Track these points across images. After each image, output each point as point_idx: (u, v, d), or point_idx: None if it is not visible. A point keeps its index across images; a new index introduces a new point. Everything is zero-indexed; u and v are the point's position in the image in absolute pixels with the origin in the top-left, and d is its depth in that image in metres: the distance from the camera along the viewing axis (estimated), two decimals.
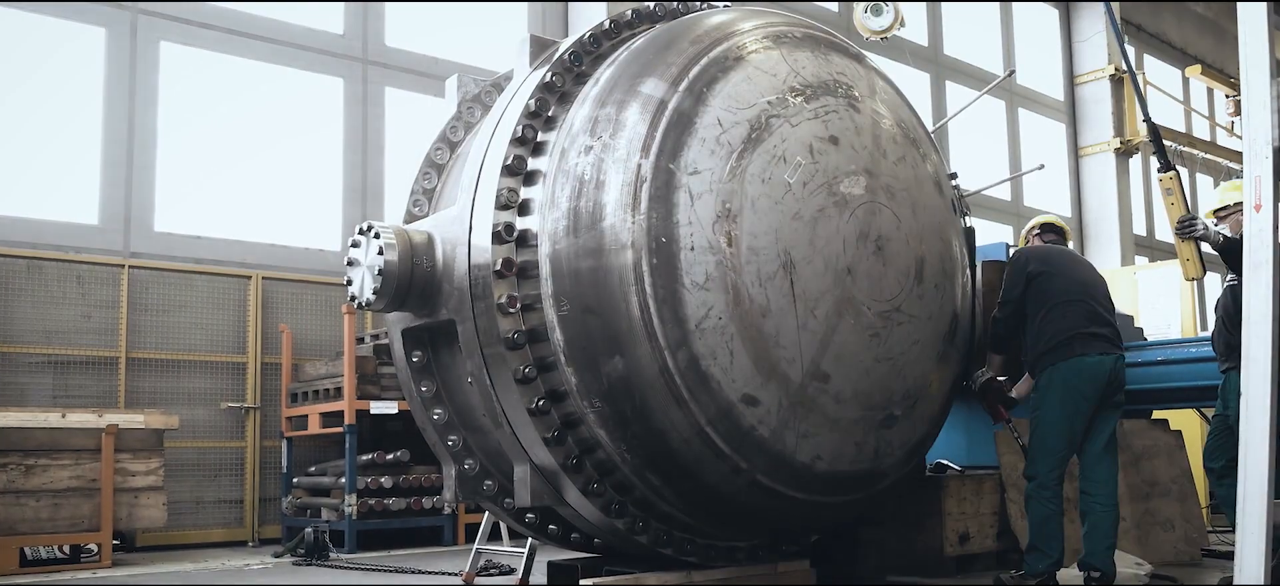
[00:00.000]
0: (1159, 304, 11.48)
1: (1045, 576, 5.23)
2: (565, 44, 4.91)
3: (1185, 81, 20.19)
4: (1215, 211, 6.11)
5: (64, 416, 7.70)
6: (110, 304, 9.14)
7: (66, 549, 7.51)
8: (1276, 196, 3.69)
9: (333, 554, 8.10)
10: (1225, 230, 5.82)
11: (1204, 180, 21.34)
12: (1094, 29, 17.67)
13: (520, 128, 4.55)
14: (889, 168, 4.92)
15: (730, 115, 4.49)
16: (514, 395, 4.35)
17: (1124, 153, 17.44)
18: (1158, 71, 19.87)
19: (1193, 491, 7.05)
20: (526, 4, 12.38)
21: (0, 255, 8.76)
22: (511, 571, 6.23)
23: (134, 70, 9.61)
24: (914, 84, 15.20)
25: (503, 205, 4.45)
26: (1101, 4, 13.65)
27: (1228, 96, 19.84)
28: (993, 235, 15.24)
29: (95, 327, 9.08)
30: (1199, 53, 20.62)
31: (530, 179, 4.52)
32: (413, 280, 4.62)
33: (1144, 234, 18.95)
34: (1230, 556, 6.58)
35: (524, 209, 4.48)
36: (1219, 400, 6.34)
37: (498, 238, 4.39)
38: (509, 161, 4.49)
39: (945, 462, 6.62)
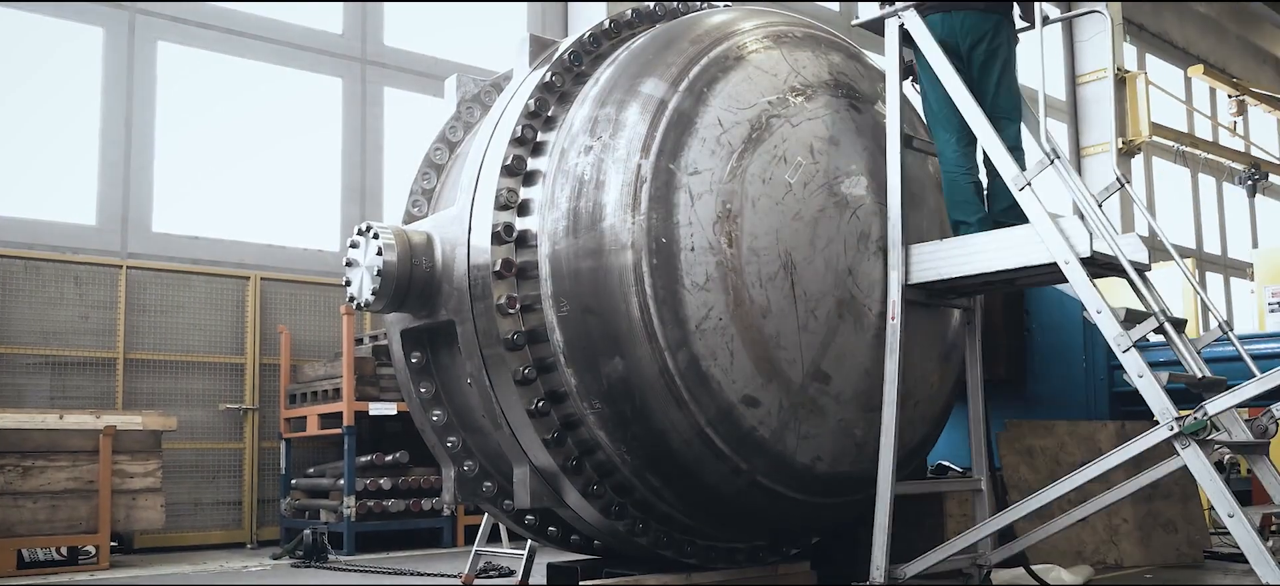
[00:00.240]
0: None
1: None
2: (565, 44, 4.90)
3: (1187, 81, 20.18)
4: None
5: (61, 418, 7.68)
6: (108, 304, 9.12)
7: (64, 550, 7.49)
8: None
9: (331, 555, 8.08)
10: None
11: (1206, 180, 21.34)
12: (1095, 29, 17.65)
13: (520, 128, 4.53)
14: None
15: (731, 115, 4.47)
16: (513, 396, 4.33)
17: (1126, 153, 17.43)
18: (1160, 71, 19.85)
19: (1195, 492, 7.03)
20: (526, 4, 12.36)
21: None
22: (511, 573, 6.21)
23: (132, 70, 9.59)
24: None
25: (502, 205, 4.43)
26: (1102, 4, 13.63)
27: (1230, 96, 19.83)
28: None
29: (93, 328, 9.05)
30: (1201, 52, 20.62)
31: (530, 179, 4.50)
32: (412, 281, 4.60)
33: (1146, 235, 18.94)
34: (1232, 558, 6.58)
35: (523, 209, 4.46)
36: None
37: (497, 238, 4.37)
38: (508, 162, 4.47)
39: (946, 464, 6.60)
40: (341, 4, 10.99)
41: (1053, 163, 4.74)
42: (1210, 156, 20.18)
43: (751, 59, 4.68)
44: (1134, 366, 4.30)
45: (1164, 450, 4.37)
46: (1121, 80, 17.51)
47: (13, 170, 9.24)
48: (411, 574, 6.98)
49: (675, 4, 5.32)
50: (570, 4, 12.47)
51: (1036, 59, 4.99)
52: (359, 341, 9.38)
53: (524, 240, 4.41)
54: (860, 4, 9.19)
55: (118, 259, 9.30)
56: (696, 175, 4.32)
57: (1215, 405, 4.24)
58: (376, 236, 4.55)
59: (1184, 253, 18.88)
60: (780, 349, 4.40)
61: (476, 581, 6.23)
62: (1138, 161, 18.43)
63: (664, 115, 4.37)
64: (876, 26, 5.12)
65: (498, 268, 4.33)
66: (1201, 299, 4.98)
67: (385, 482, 8.83)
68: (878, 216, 4.79)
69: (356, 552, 8.53)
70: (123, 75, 9.54)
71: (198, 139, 10.15)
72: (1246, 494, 10.44)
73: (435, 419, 4.94)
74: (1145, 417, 7.23)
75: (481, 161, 4.61)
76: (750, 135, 4.48)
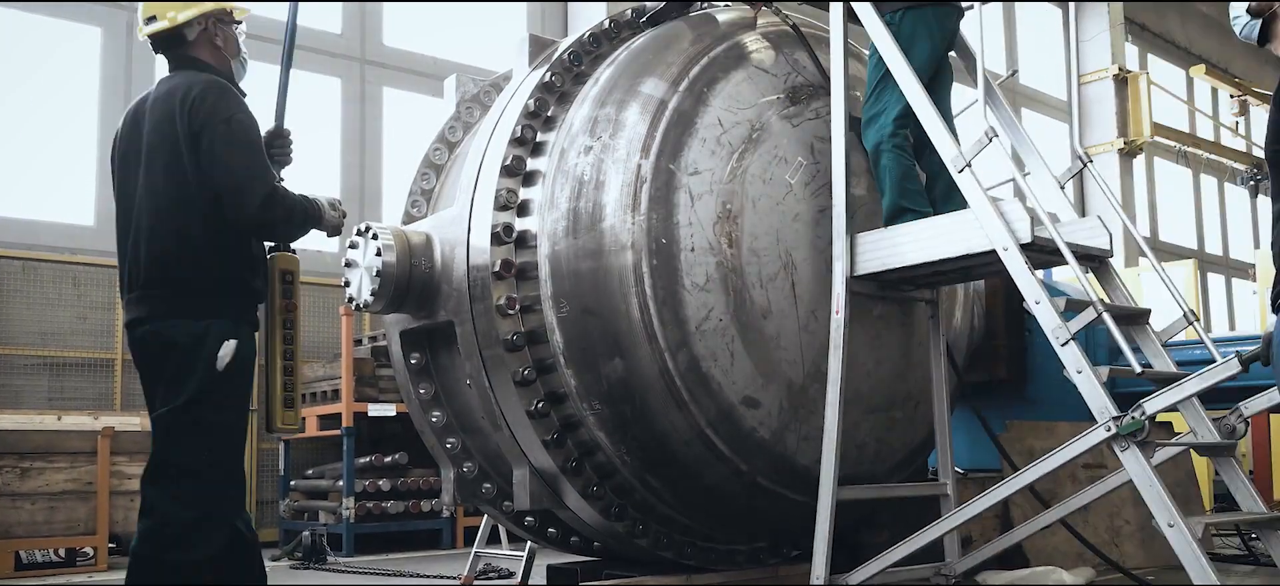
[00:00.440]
0: (1163, 306, 11.38)
1: None
2: (564, 44, 4.89)
3: (1189, 81, 20.15)
4: None
5: (60, 419, 7.67)
6: (106, 305, 9.09)
7: (62, 552, 7.46)
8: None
9: (330, 557, 8.06)
10: None
11: (1208, 181, 21.32)
12: (1097, 28, 17.63)
13: (519, 128, 4.52)
14: None
15: (731, 115, 4.46)
16: (513, 397, 4.32)
17: (1128, 153, 17.41)
18: (1162, 71, 19.82)
19: (1197, 494, 7.00)
20: (526, 4, 12.33)
21: None
22: (510, 575, 6.19)
23: (130, 70, 9.57)
24: None
25: (502, 206, 4.42)
26: (1104, 3, 13.60)
27: (1232, 96, 19.80)
28: None
29: (91, 329, 9.03)
30: (1203, 52, 20.58)
31: (529, 179, 4.49)
32: (411, 281, 4.59)
33: (1148, 235, 18.90)
34: (1233, 559, 6.55)
35: (523, 210, 4.44)
36: None
37: (496, 239, 4.35)
38: (508, 162, 4.46)
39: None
40: (341, 4, 10.97)
41: (991, 140, 4.33)
42: (1212, 157, 20.15)
43: (752, 59, 4.68)
44: (1072, 361, 4.00)
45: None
46: (1123, 80, 17.48)
47: (11, 171, 9.22)
48: (411, 575, 6.96)
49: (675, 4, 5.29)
50: (570, 4, 12.45)
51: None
52: (358, 342, 9.36)
53: (523, 241, 4.39)
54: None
55: (116, 259, 9.26)
56: (697, 175, 4.30)
57: (1155, 403, 3.91)
58: (375, 237, 4.54)
59: (1186, 254, 18.89)
60: (781, 350, 4.38)
61: (476, 583, 6.21)
62: (1139, 162, 18.39)
63: (664, 115, 4.36)
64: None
65: (497, 268, 4.31)
66: (1169, 288, 4.65)
67: (384, 484, 8.81)
68: (877, 217, 4.76)
69: (355, 554, 8.51)
70: (121, 75, 9.52)
71: None
72: None
73: (434, 420, 4.93)
74: None
75: (481, 162, 4.60)
76: (751, 135, 4.46)
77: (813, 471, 4.54)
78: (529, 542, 5.52)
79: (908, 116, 4.56)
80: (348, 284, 4.71)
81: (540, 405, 4.33)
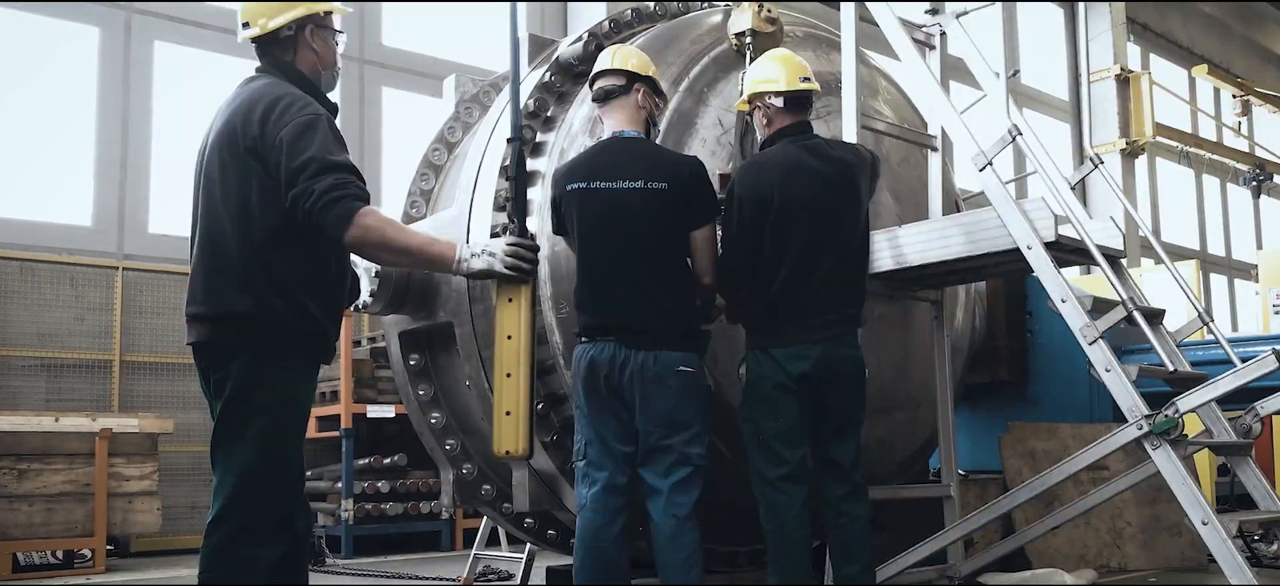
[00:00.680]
0: (1164, 306, 11.35)
1: None
2: (564, 44, 4.86)
3: (1191, 81, 20.12)
4: None
5: (57, 420, 7.63)
6: (104, 306, 9.06)
7: (60, 554, 7.44)
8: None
9: (329, 559, 8.04)
10: None
11: (1210, 181, 21.29)
12: (1099, 28, 17.60)
13: None
14: (892, 169, 4.86)
15: (731, 116, 4.44)
16: None
17: (1130, 153, 17.38)
18: (1164, 71, 19.80)
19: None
20: (526, 4, 12.31)
21: None
22: (510, 576, 6.17)
23: (128, 70, 9.54)
24: None
25: (501, 206, 4.40)
26: (1107, 3, 13.57)
27: (1234, 96, 19.77)
28: None
29: (89, 330, 9.00)
30: (1205, 52, 20.55)
31: (529, 179, 4.45)
32: (410, 282, 4.57)
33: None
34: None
35: None
36: None
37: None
38: (507, 162, 4.42)
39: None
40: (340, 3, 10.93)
41: (1015, 139, 4.37)
42: (1214, 157, 20.12)
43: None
44: (1101, 360, 3.99)
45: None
46: (1125, 80, 17.44)
47: (9, 171, 9.19)
48: (410, 577, 6.93)
49: (675, 4, 5.28)
50: (570, 4, 12.42)
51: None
52: (357, 343, 9.34)
53: None
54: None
55: (114, 260, 9.24)
56: None
57: (1187, 401, 3.92)
58: None
59: (1188, 254, 18.87)
60: None
61: (475, 584, 6.19)
62: (1141, 162, 18.37)
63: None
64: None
65: None
66: (1182, 286, 4.65)
67: (383, 485, 8.78)
68: (880, 215, 4.74)
69: (354, 556, 8.48)
70: (119, 75, 9.49)
71: (195, 139, 10.09)
72: None
73: (434, 421, 4.90)
74: None
75: (480, 162, 4.58)
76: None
77: None
78: (528, 544, 5.50)
79: None
80: None
81: (540, 406, 4.30)
